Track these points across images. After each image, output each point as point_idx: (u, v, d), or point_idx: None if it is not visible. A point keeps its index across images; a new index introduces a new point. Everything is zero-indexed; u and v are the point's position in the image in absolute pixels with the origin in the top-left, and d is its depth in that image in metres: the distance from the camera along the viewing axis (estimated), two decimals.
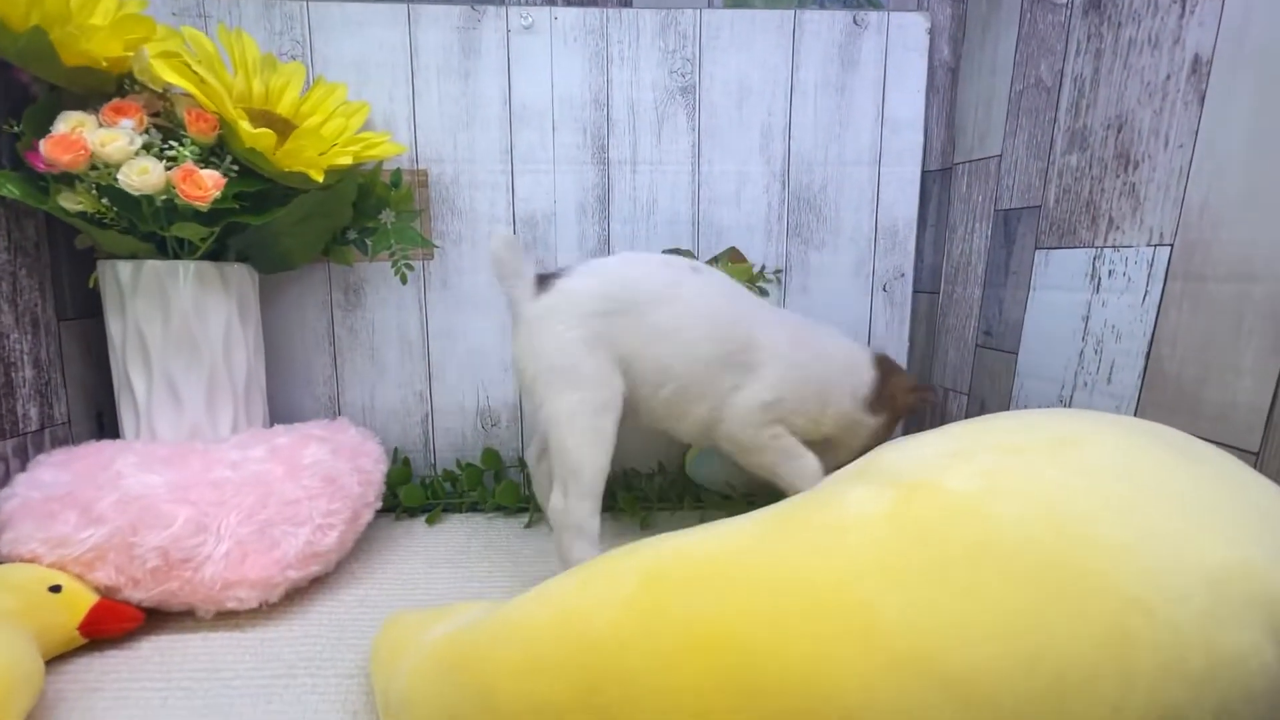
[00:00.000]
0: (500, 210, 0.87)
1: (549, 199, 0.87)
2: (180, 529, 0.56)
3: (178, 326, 0.69)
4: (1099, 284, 0.65)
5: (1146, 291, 0.60)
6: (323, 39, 0.82)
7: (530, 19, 0.84)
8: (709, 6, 0.87)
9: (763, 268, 0.90)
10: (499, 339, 0.89)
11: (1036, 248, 0.73)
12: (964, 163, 0.86)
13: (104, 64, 0.60)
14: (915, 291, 0.91)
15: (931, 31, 0.85)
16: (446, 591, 0.66)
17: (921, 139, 0.87)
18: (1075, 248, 0.68)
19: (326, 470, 0.68)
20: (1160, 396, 0.59)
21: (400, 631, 0.45)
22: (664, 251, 0.88)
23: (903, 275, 0.90)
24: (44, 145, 0.57)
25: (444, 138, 0.85)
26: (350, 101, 0.79)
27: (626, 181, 0.87)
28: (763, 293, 0.90)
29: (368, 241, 0.86)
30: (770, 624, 0.27)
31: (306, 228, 0.79)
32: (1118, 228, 0.63)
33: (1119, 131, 0.63)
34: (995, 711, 0.24)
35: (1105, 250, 0.64)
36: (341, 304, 0.87)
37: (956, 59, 0.88)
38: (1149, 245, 0.60)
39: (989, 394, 0.81)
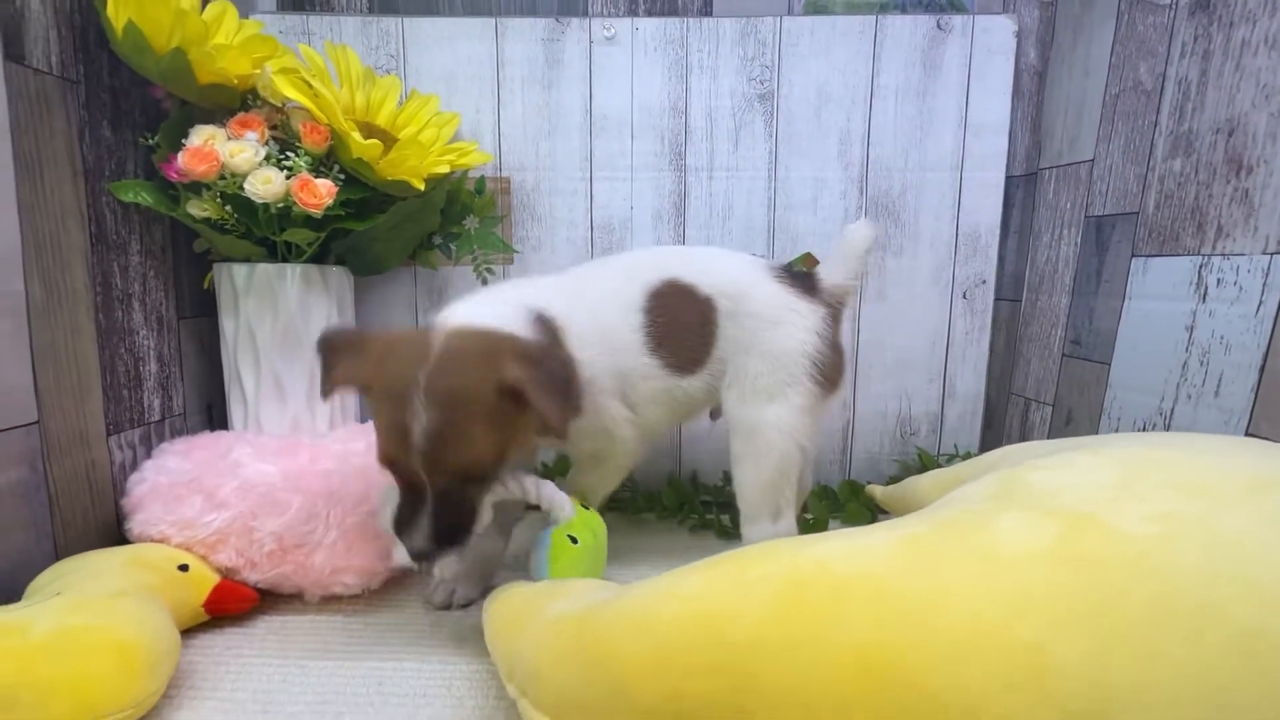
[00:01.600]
0: (579, 216, 0.89)
1: (626, 205, 0.89)
2: (294, 516, 0.59)
3: (284, 325, 0.73)
4: (1205, 293, 0.63)
5: (1261, 301, 0.57)
6: (416, 53, 0.86)
7: (613, 30, 0.86)
8: (789, 14, 0.87)
9: None
10: None
11: (1133, 255, 0.71)
12: (1051, 168, 0.84)
13: (234, 81, 0.65)
14: (996, 299, 0.89)
15: (1018, 34, 0.84)
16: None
17: (1006, 144, 0.86)
18: (1178, 255, 0.66)
19: None
20: (1275, 411, 0.56)
21: (518, 601, 0.47)
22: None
23: (984, 282, 0.88)
24: (182, 157, 0.62)
25: (526, 146, 0.88)
26: (442, 112, 0.83)
27: (703, 188, 0.88)
28: None
29: (452, 246, 0.90)
30: (928, 652, 0.26)
31: (398, 233, 0.83)
32: (1228, 235, 0.61)
33: (1230, 136, 0.61)
34: None
35: (1213, 258, 0.62)
36: (426, 305, 0.91)
37: (1044, 62, 0.86)
38: (1264, 253, 0.57)
39: (1076, 405, 0.79)
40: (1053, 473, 0.35)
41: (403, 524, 0.49)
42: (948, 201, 0.87)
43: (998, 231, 0.88)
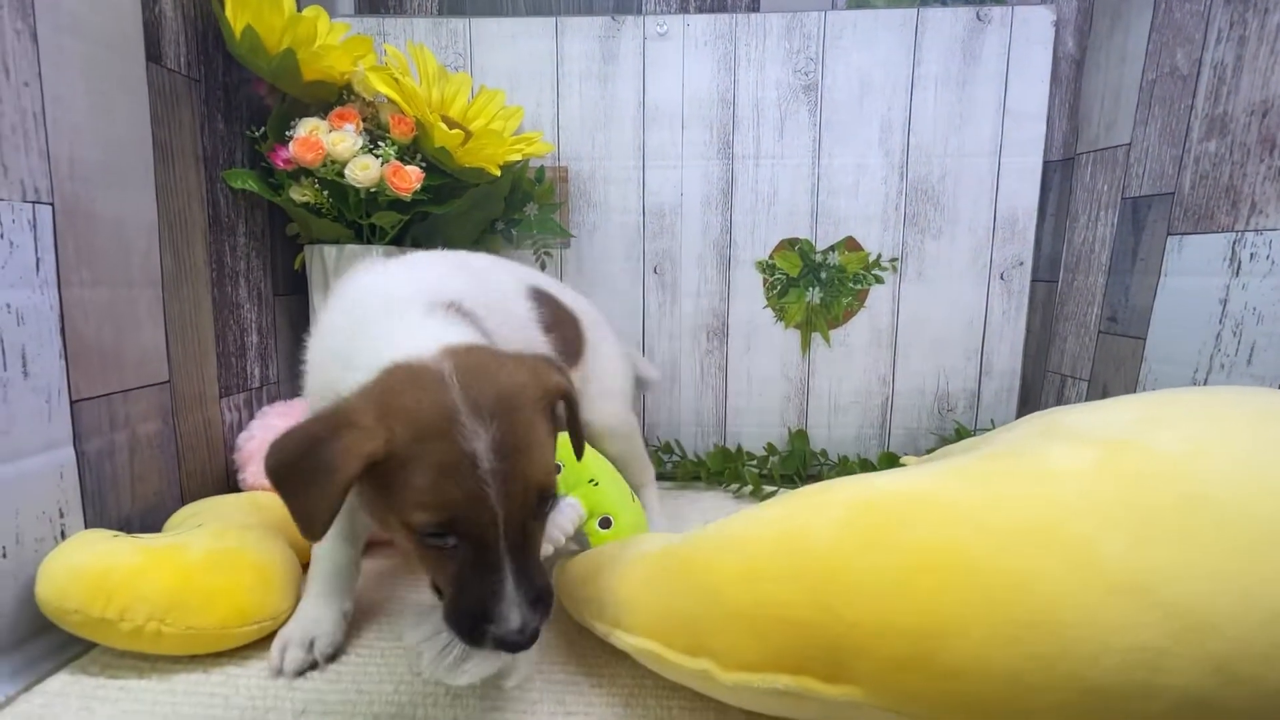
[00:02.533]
0: (631, 202, 0.95)
1: (676, 192, 0.94)
2: None
3: None
4: (1239, 267, 0.66)
5: None
6: (482, 51, 0.92)
7: (665, 26, 0.91)
8: (833, 8, 0.92)
9: (879, 256, 0.94)
10: (625, 320, 0.96)
11: (1169, 234, 0.74)
12: (1088, 152, 0.87)
13: (336, 77, 0.72)
14: (1033, 280, 0.93)
15: (1057, 24, 0.87)
16: None
17: (1044, 130, 0.89)
18: (1213, 233, 0.69)
19: None
20: None
21: (592, 559, 0.52)
22: (783, 240, 0.94)
23: (1021, 264, 0.92)
24: (292, 146, 0.69)
25: (583, 137, 0.94)
26: (507, 106, 0.89)
27: (749, 175, 0.93)
28: (879, 280, 0.94)
29: (513, 231, 0.96)
30: (990, 549, 0.31)
31: (467, 218, 0.89)
32: (1261, 211, 0.64)
33: (1264, 117, 0.64)
34: (1214, 636, 0.27)
35: (1246, 234, 0.65)
36: None
37: (1082, 51, 0.89)
38: None
39: (1112, 379, 0.82)
40: (1085, 415, 0.40)
41: (478, 611, 0.38)
42: (986, 186, 0.91)
43: (1035, 215, 0.91)
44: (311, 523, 0.37)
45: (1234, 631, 0.26)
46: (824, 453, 0.96)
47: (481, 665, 0.41)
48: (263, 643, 0.52)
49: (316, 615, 0.51)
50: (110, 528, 0.57)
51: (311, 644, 0.50)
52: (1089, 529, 0.31)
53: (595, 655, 0.51)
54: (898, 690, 0.30)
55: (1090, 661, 0.27)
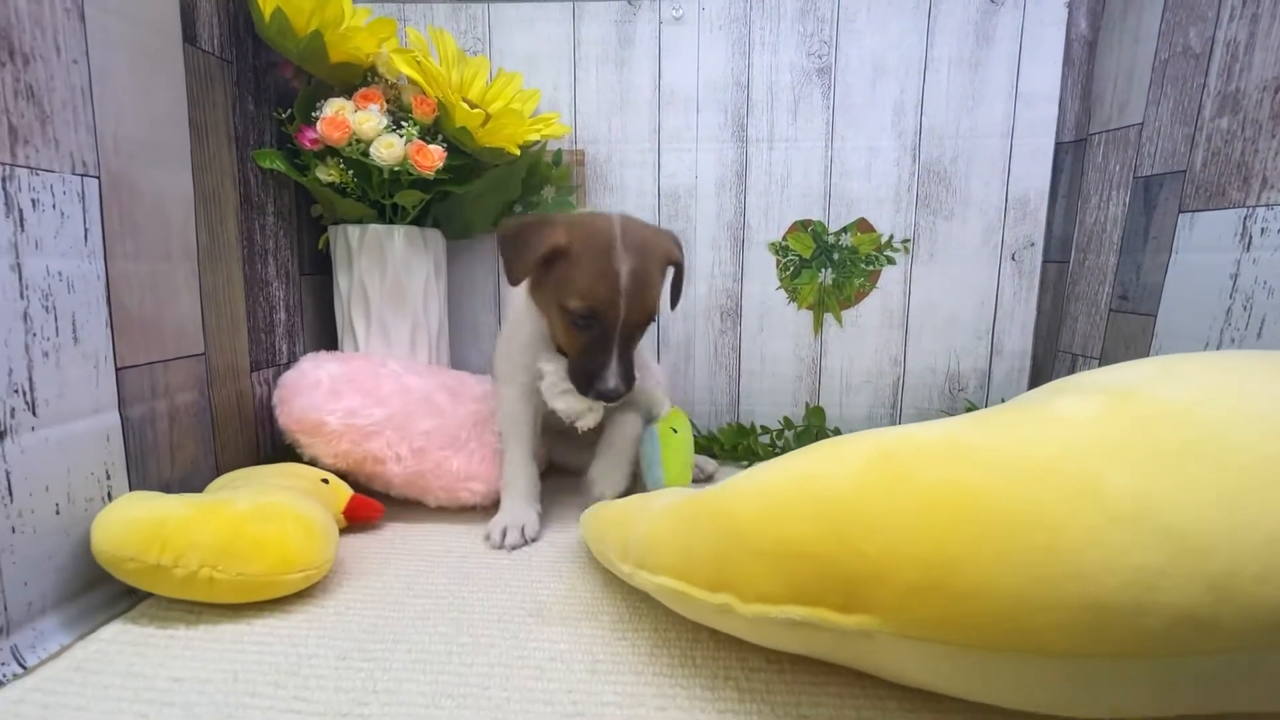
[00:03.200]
0: (647, 185, 0.96)
1: (691, 175, 0.96)
2: (448, 421, 0.69)
3: (391, 279, 0.82)
4: (1250, 242, 0.67)
5: None
6: (500, 35, 0.94)
7: (681, 10, 0.92)
8: None
9: (891, 237, 0.95)
10: None
11: (1180, 211, 0.75)
12: (1101, 133, 0.88)
13: (362, 59, 0.74)
14: (1044, 261, 0.94)
15: (1070, 5, 0.88)
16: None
17: (1056, 111, 0.90)
18: (1224, 209, 0.70)
19: None
20: None
21: (619, 507, 0.55)
22: (796, 222, 0.95)
23: (1033, 244, 0.93)
24: (321, 125, 0.71)
25: (599, 121, 0.95)
26: (524, 89, 0.91)
27: (763, 157, 0.95)
28: (890, 261, 0.95)
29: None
30: (1001, 484, 0.33)
31: (486, 200, 0.91)
32: (1272, 186, 0.65)
33: (1276, 93, 0.65)
34: (1211, 557, 0.28)
35: (1258, 209, 0.66)
36: None
37: (1094, 32, 0.89)
38: None
39: (1123, 357, 0.83)
40: (1096, 375, 0.41)
41: (591, 372, 0.62)
42: (998, 168, 0.92)
43: (1046, 196, 0.92)
44: (514, 274, 0.62)
45: (1229, 554, 0.28)
46: (837, 430, 0.98)
47: (571, 403, 0.64)
48: (301, 596, 0.55)
49: (523, 510, 0.68)
50: (153, 491, 0.60)
51: (523, 529, 0.66)
52: (1094, 465, 0.32)
53: (621, 611, 0.53)
54: (911, 615, 0.32)
55: (1091, 581, 0.29)
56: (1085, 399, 0.37)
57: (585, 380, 0.63)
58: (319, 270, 0.88)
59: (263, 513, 0.53)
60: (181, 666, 0.46)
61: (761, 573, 0.37)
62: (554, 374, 0.65)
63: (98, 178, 0.54)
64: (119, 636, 0.50)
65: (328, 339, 0.88)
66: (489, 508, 0.72)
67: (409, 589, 0.57)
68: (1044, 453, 0.34)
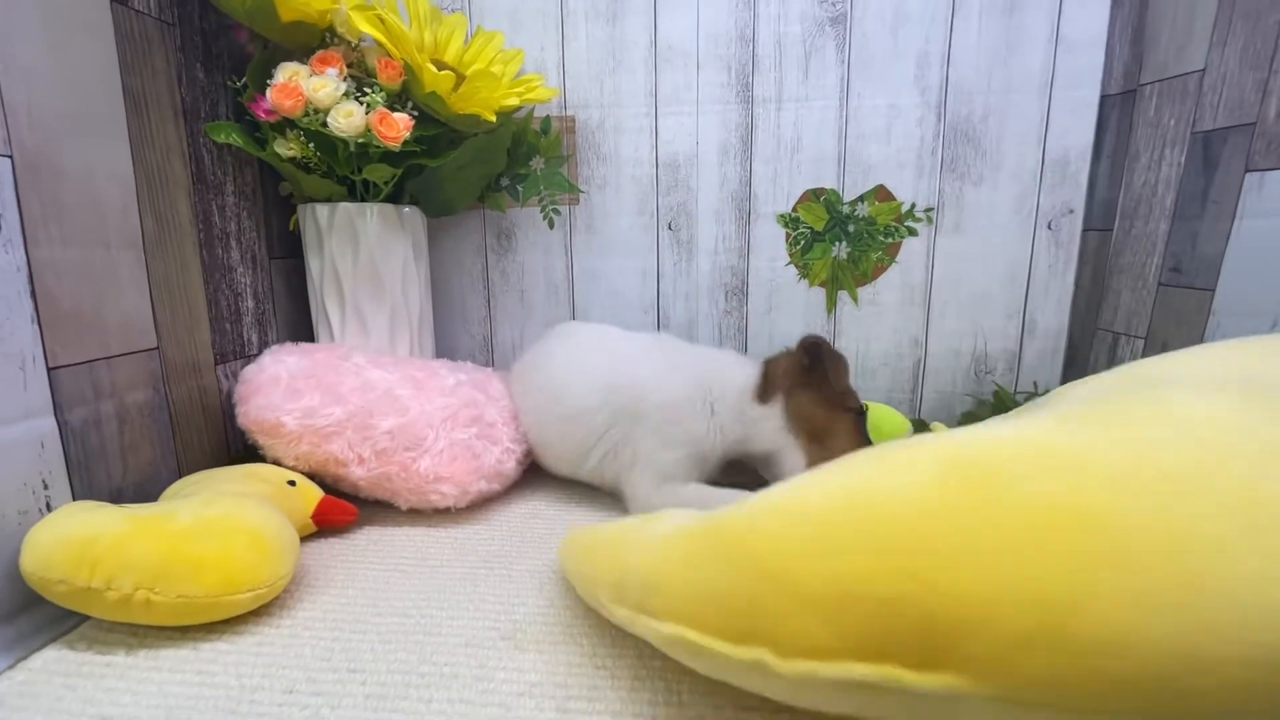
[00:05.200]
0: (644, 154, 0.88)
1: (691, 141, 0.87)
2: (413, 419, 0.63)
3: (365, 262, 0.76)
4: None
5: None
6: None
7: None
8: None
9: (912, 206, 0.86)
10: (639, 280, 0.91)
11: (1247, 170, 0.66)
12: (1153, 82, 0.77)
13: (314, 17, 0.66)
14: (1084, 229, 0.84)
15: None
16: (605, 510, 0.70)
17: (1102, 59, 0.80)
18: None
19: (509, 403, 0.74)
20: None
21: (610, 530, 0.46)
22: (807, 191, 0.87)
23: (1071, 211, 0.84)
24: (270, 92, 0.64)
25: (590, 84, 0.87)
26: (506, 49, 0.83)
27: (770, 120, 0.86)
28: (911, 232, 0.87)
29: (519, 188, 0.91)
30: (1130, 501, 0.26)
31: (467, 174, 0.84)
32: None
33: None
34: None
35: None
36: (495, 248, 0.93)
37: None
38: None
39: (1173, 336, 0.74)
40: (1178, 365, 0.34)
41: None
42: (1034, 125, 0.82)
43: (1089, 156, 0.82)
44: (842, 384, 0.68)
45: None
46: None
47: None
48: (256, 615, 0.50)
49: None
50: (101, 499, 0.55)
51: None
52: (1250, 470, 0.25)
53: (603, 634, 0.48)
54: (1018, 673, 0.25)
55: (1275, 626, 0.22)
56: (1203, 396, 0.30)
57: None
58: (292, 253, 0.82)
59: (206, 527, 0.48)
60: (112, 702, 0.42)
61: (806, 620, 0.29)
62: None
63: (9, 156, 0.48)
64: (51, 665, 0.45)
65: (304, 327, 0.83)
66: (466, 509, 0.67)
67: (374, 605, 0.52)
68: (1180, 459, 0.26)
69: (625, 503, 0.68)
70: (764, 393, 0.68)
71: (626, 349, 0.73)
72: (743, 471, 0.72)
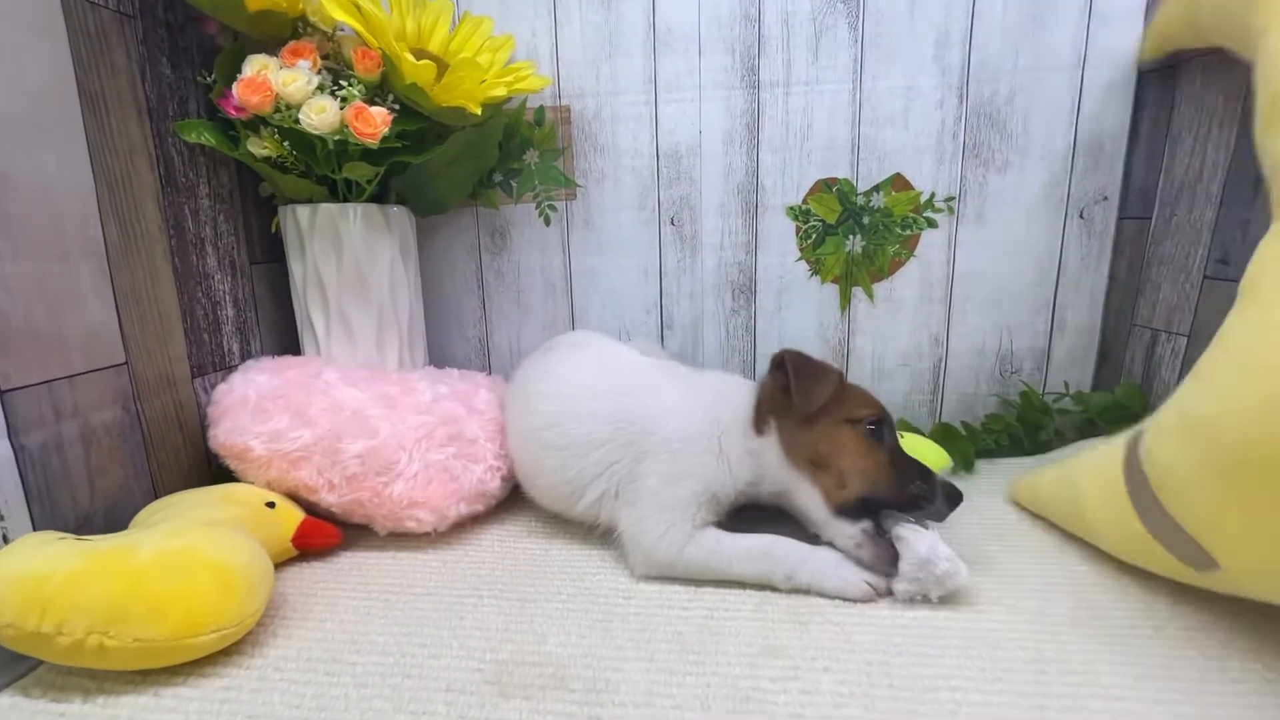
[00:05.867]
0: (643, 144, 0.83)
1: (694, 130, 0.82)
2: (383, 442, 0.59)
3: (350, 265, 0.72)
4: None
5: None
6: None
7: None
8: None
9: (931, 195, 0.80)
10: (640, 278, 0.86)
11: None
12: (1199, 53, 0.71)
13: (283, 5, 0.62)
14: (1120, 217, 0.78)
15: None
16: None
17: (1140, 31, 0.73)
18: None
19: (497, 416, 0.70)
20: None
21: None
22: (818, 181, 0.82)
23: (1105, 198, 0.78)
24: (236, 88, 0.60)
25: (586, 71, 0.82)
26: (495, 36, 0.78)
27: (778, 106, 0.80)
28: (931, 224, 0.81)
29: (513, 184, 0.86)
30: None
31: (457, 169, 0.79)
32: None
33: None
34: None
35: None
36: (489, 247, 0.88)
37: None
38: None
39: None
40: None
41: (915, 467, 0.57)
42: (1064, 106, 0.76)
43: (1125, 138, 0.76)
44: (813, 403, 0.57)
45: None
46: None
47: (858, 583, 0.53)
48: (225, 654, 0.46)
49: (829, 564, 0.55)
50: (66, 527, 0.52)
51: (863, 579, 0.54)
52: None
53: (596, 675, 0.44)
54: None
55: None
56: None
57: (921, 476, 0.56)
58: (276, 257, 0.78)
59: (168, 562, 0.45)
60: None
61: None
62: (858, 537, 0.54)
63: None
64: (4, 713, 0.42)
65: (291, 335, 0.79)
66: (447, 533, 0.63)
67: (352, 641, 0.49)
68: None
69: (623, 545, 0.58)
70: (759, 422, 0.59)
71: (641, 376, 0.65)
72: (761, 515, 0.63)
